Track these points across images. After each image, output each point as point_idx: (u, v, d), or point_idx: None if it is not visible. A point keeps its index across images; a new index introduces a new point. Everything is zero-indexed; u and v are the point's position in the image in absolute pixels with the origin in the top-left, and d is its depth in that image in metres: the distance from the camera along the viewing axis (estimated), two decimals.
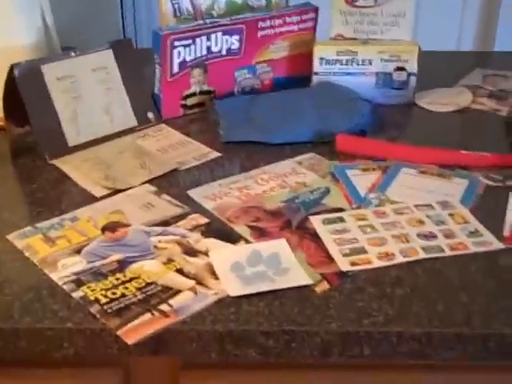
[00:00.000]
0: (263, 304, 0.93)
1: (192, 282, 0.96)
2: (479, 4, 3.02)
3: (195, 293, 0.95)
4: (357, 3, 1.52)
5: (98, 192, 1.20)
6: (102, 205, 1.17)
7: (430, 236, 1.06)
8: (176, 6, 1.51)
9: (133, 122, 1.41)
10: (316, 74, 1.51)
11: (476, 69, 1.72)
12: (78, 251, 1.04)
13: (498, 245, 1.04)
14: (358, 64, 1.50)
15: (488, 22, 3.03)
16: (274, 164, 1.28)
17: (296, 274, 0.98)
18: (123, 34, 2.84)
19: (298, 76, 1.57)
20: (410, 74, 1.50)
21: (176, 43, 1.40)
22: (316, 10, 1.56)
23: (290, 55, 1.57)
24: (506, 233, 1.07)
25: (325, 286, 0.96)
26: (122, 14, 2.83)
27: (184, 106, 1.48)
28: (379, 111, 1.46)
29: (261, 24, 1.50)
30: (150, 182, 1.23)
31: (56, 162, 1.29)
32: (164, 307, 0.92)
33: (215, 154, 1.32)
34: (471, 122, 1.49)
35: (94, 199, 1.18)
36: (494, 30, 2.98)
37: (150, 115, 1.44)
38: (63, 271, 0.99)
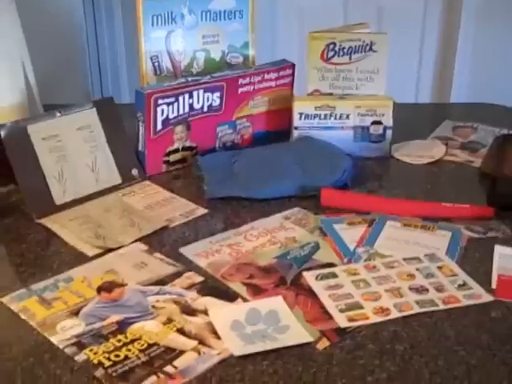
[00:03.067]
0: (267, 363, 0.94)
1: (194, 342, 0.97)
2: (435, 57, 3.12)
3: (199, 353, 0.95)
4: (332, 60, 1.56)
5: (89, 251, 1.20)
6: (94, 264, 1.17)
7: (422, 290, 1.09)
8: (156, 64, 1.54)
9: (117, 180, 1.42)
10: (296, 128, 1.55)
11: (445, 120, 1.78)
12: (76, 313, 1.04)
13: (487, 297, 1.07)
14: (335, 118, 1.54)
15: (443, 75, 3.12)
16: (261, 219, 1.30)
17: (296, 331, 1.00)
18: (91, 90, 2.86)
19: (276, 130, 1.61)
20: (386, 128, 1.54)
21: (159, 101, 1.42)
22: (293, 66, 1.60)
23: (268, 110, 1.61)
24: (494, 285, 1.10)
25: (325, 343, 0.98)
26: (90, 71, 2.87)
27: (167, 162, 1.50)
28: (358, 164, 1.50)
29: (241, 81, 1.53)
30: (140, 240, 1.24)
31: (43, 221, 1.29)
32: (169, 369, 0.92)
33: (202, 211, 1.34)
34: (446, 173, 1.54)
35: (85, 258, 1.19)
36: (450, 82, 3.08)
37: (135, 172, 1.45)
38: (63, 334, 0.99)
